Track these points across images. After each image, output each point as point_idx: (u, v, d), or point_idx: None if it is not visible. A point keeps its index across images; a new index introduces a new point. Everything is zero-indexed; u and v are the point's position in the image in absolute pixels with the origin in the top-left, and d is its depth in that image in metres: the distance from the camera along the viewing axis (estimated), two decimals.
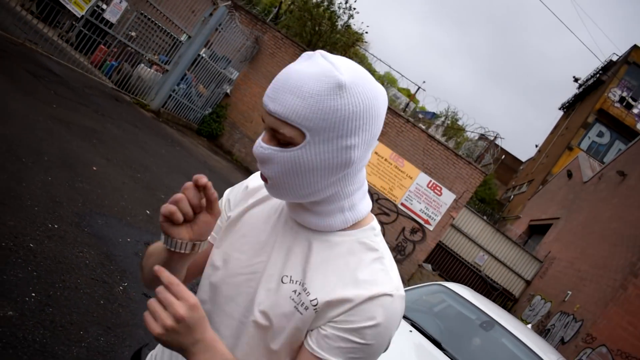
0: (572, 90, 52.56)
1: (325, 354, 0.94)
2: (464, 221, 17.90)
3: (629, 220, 13.68)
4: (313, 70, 0.88)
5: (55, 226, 3.83)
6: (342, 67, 0.89)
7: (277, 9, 20.18)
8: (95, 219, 4.42)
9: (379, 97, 0.92)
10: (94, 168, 5.65)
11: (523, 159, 44.62)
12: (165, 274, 0.85)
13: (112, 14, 11.75)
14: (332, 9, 17.20)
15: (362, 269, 0.98)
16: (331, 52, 11.88)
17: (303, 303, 0.98)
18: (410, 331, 3.50)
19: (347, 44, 17.22)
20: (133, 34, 14.46)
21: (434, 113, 33.23)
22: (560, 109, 36.60)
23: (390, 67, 28.90)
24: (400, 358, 3.16)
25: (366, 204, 1.06)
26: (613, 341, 11.62)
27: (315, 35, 17.07)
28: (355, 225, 1.04)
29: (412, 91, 31.10)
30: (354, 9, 17.36)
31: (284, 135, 0.90)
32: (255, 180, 1.21)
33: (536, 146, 39.58)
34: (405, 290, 4.41)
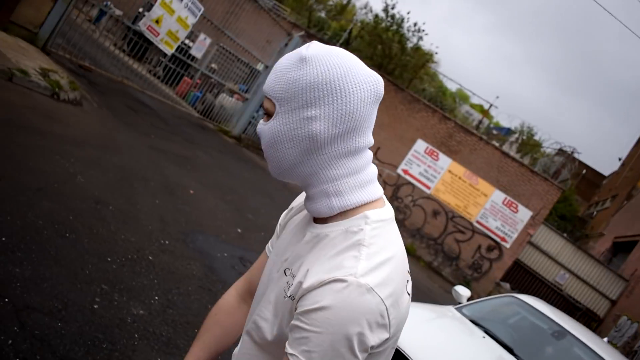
0: None
1: (288, 347, 0.90)
2: (542, 239, 17.50)
3: None
4: (286, 57, 0.99)
5: (166, 242, 4.43)
6: (312, 45, 0.96)
7: (348, 32, 20.81)
8: (196, 236, 5.01)
9: (348, 74, 0.92)
10: (191, 192, 6.31)
11: (606, 173, 42.58)
12: None
13: (197, 51, 12.75)
14: (401, 32, 17.59)
15: (335, 256, 0.93)
16: (402, 73, 12.31)
17: (290, 294, 0.97)
18: (484, 337, 3.77)
19: (418, 64, 17.52)
20: (214, 65, 15.52)
21: (508, 129, 32.56)
22: None
23: (460, 85, 28.79)
24: None
25: (361, 194, 1.00)
26: None
27: (386, 58, 17.51)
28: (345, 214, 1.00)
29: (485, 107, 30.76)
30: (423, 30, 17.70)
31: (266, 108, 0.99)
32: (299, 198, 1.26)
33: (619, 159, 37.72)
34: (481, 302, 4.68)
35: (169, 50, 10.28)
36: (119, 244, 3.86)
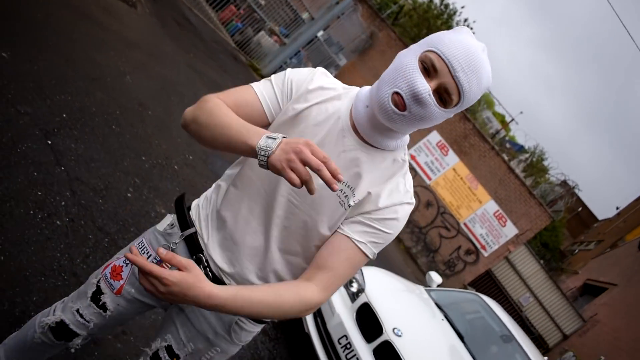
0: None
1: (356, 236, 1.26)
2: (519, 259, 17.97)
3: None
4: (488, 69, 1.15)
5: (190, 157, 4.84)
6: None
7: (398, 7, 20.79)
8: (216, 160, 5.42)
9: None
10: None
11: (600, 217, 43.05)
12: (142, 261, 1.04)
13: None
14: (450, 24, 17.65)
15: (391, 180, 1.28)
16: None
17: (347, 202, 1.27)
18: (442, 320, 4.26)
19: None
20: (262, 1, 15.62)
21: (522, 146, 32.71)
22: None
23: (489, 90, 28.80)
24: (429, 337, 3.94)
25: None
26: None
27: None
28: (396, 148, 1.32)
29: (507, 119, 30.88)
30: (471, 28, 17.74)
31: (451, 100, 1.14)
32: (321, 79, 1.37)
33: (617, 208, 38.06)
34: (448, 291, 5.17)
35: None
36: (152, 147, 4.27)
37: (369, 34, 15.76)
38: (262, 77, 13.69)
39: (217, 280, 1.38)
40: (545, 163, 23.56)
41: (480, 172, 14.45)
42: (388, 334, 3.47)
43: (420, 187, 14.86)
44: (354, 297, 3.86)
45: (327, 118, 1.30)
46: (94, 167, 3.25)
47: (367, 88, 1.33)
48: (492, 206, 14.33)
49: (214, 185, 1.55)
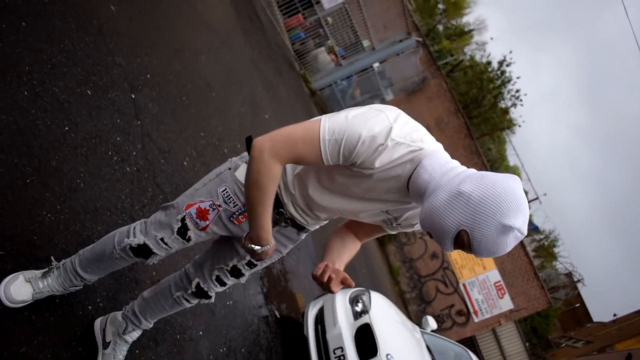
0: None
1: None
2: (506, 335, 17.95)
3: None
4: (507, 250, 1.35)
5: (239, 146, 5.09)
6: None
7: (455, 60, 21.12)
8: None
9: None
10: (266, 116, 6.96)
11: (595, 318, 42.51)
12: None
13: (328, 2, 13.25)
14: (501, 90, 17.92)
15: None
16: (479, 125, 12.71)
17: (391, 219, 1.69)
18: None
19: (498, 126, 17.86)
20: (330, 19, 16.04)
21: (537, 227, 32.61)
22: None
23: (522, 165, 28.92)
24: None
25: None
26: None
27: (475, 103, 17.87)
28: None
29: (530, 196, 30.87)
30: (521, 100, 17.99)
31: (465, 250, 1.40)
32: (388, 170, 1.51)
33: (614, 315, 37.71)
34: (440, 338, 5.33)
35: None
36: (210, 126, 4.54)
37: (422, 78, 16.07)
38: (311, 90, 14.03)
39: (294, 222, 1.82)
40: (557, 250, 23.50)
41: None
42: (381, 357, 3.64)
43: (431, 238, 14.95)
44: (357, 315, 4.05)
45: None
46: (163, 129, 3.52)
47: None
48: (494, 275, 14.38)
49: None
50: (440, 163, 1.44)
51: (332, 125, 1.46)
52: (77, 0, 3.05)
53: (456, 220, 1.32)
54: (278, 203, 1.72)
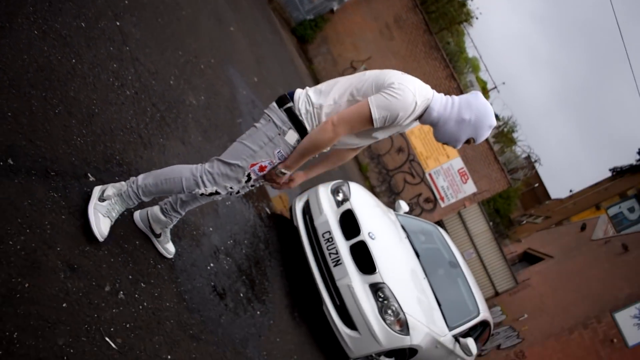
0: (632, 158, 52.06)
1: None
2: (471, 216, 19.19)
3: (608, 286, 14.80)
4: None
5: (212, 61, 5.36)
6: None
7: None
8: (228, 67, 5.94)
9: None
10: (232, 29, 7.12)
11: (553, 196, 45.22)
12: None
13: None
14: None
15: None
16: (438, 19, 12.89)
17: None
18: (405, 238, 5.09)
19: (455, 19, 17.98)
20: None
21: (497, 115, 33.62)
22: (610, 170, 36.82)
23: (480, 57, 29.30)
24: (394, 246, 4.76)
25: None
26: None
27: None
28: None
29: (489, 86, 31.57)
30: None
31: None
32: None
33: (570, 191, 40.22)
34: (412, 218, 6.01)
35: None
36: (185, 45, 4.77)
37: None
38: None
39: None
40: (515, 135, 24.55)
41: None
42: (364, 236, 4.25)
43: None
44: (339, 204, 4.62)
45: None
46: (148, 52, 3.79)
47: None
48: (458, 163, 15.23)
49: (312, 94, 2.40)
50: (440, 103, 2.37)
51: (379, 110, 2.23)
52: None
53: (466, 135, 2.37)
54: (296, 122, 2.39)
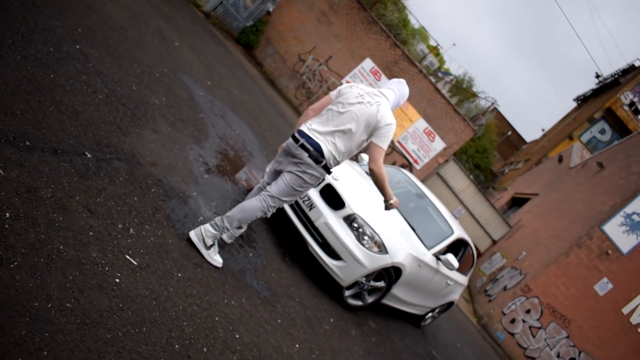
0: (592, 83, 53.35)
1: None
2: (451, 175, 19.89)
3: (592, 203, 15.57)
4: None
5: (165, 70, 6.06)
6: None
7: None
8: (182, 75, 6.64)
9: None
10: (176, 44, 7.81)
11: (527, 139, 46.37)
12: None
13: None
14: None
15: None
16: None
17: None
18: (370, 180, 5.81)
19: None
20: None
21: (445, 72, 34.54)
22: (575, 100, 37.87)
23: (424, 27, 30.25)
24: (359, 184, 5.49)
25: None
26: (545, 296, 13.94)
27: None
28: None
29: (442, 50, 32.56)
30: None
31: None
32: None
33: (542, 130, 41.32)
34: None
35: None
36: (138, 59, 5.48)
37: None
38: (203, 13, 14.54)
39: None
40: (475, 89, 25.48)
41: (410, 94, 15.98)
42: (329, 179, 4.97)
43: None
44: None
45: None
46: (108, 66, 4.49)
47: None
48: (421, 124, 16.04)
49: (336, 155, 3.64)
50: (392, 99, 3.79)
51: (386, 144, 3.53)
52: None
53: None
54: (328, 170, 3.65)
